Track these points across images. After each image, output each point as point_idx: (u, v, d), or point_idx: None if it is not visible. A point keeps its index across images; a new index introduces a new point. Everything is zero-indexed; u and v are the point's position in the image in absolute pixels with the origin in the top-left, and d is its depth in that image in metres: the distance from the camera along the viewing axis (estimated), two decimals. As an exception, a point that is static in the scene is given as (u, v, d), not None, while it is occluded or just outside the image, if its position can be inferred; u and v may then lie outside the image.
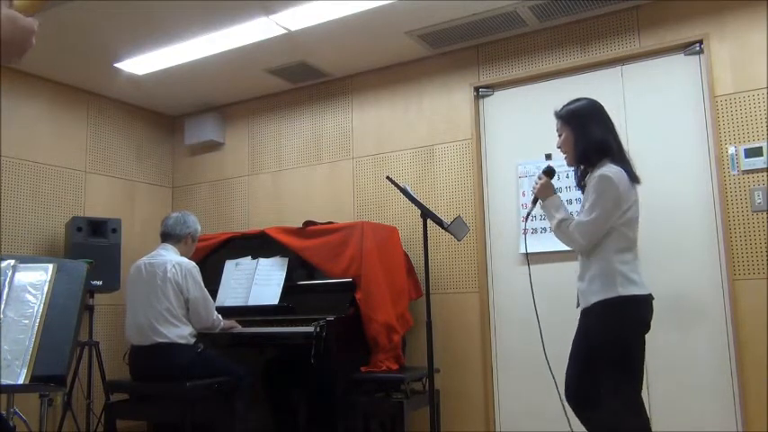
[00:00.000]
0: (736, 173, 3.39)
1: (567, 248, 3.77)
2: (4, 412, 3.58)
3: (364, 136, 4.61)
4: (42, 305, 1.38)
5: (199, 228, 3.83)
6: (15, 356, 1.31)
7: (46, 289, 1.41)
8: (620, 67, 3.82)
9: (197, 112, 5.31)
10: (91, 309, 4.27)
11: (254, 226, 4.81)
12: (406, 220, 4.27)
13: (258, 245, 4.18)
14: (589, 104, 2.67)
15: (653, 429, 2.59)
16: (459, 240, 3.34)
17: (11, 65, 0.98)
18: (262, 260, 4.10)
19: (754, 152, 3.35)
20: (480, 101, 4.24)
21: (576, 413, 2.66)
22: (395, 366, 3.69)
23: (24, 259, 1.47)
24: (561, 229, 2.58)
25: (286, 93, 4.97)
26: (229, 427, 3.50)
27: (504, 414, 3.93)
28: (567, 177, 3.93)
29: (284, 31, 3.89)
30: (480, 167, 4.16)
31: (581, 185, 2.70)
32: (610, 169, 2.49)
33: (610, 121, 2.65)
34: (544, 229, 3.90)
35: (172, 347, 3.42)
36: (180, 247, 3.70)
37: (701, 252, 3.48)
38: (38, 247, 4.40)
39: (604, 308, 2.46)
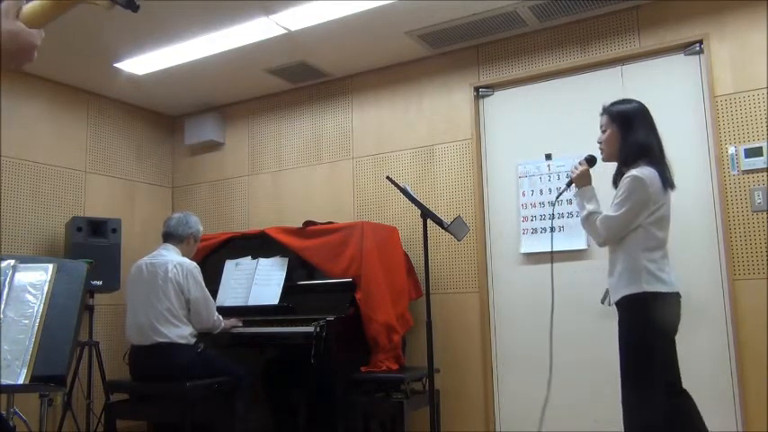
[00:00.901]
0: (736, 173, 3.39)
1: (567, 248, 3.80)
2: (4, 412, 3.57)
3: (364, 136, 4.61)
4: (42, 305, 1.38)
5: (201, 228, 3.84)
6: (15, 356, 1.31)
7: (46, 289, 1.41)
8: (620, 67, 3.82)
9: (197, 112, 5.31)
10: (91, 309, 4.26)
11: (254, 226, 4.81)
12: (406, 220, 4.27)
13: (258, 245, 4.18)
14: (639, 107, 2.74)
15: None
16: (459, 240, 3.34)
17: (9, 71, 0.97)
18: (262, 260, 4.10)
19: (754, 152, 3.35)
20: (480, 101, 4.24)
21: None
22: (395, 366, 3.69)
23: (24, 259, 1.47)
24: (588, 221, 2.67)
25: (286, 93, 4.97)
26: (229, 427, 3.50)
27: (504, 414, 3.93)
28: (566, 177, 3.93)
29: (284, 31, 3.89)
30: (480, 167, 4.16)
31: (616, 183, 2.76)
32: (643, 171, 2.56)
33: (654, 125, 2.73)
34: (544, 229, 3.91)
35: (172, 347, 3.42)
36: (182, 247, 3.70)
37: (701, 252, 3.48)
38: (38, 247, 4.40)
39: (630, 303, 2.54)
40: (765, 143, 3.33)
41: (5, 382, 1.28)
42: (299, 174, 4.84)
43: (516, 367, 3.91)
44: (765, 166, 3.32)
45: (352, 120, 4.67)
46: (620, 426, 3.20)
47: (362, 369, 3.64)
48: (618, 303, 2.61)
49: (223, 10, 3.61)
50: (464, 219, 3.31)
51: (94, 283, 4.14)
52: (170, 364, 3.40)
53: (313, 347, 3.41)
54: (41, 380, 1.33)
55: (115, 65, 4.35)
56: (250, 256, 4.17)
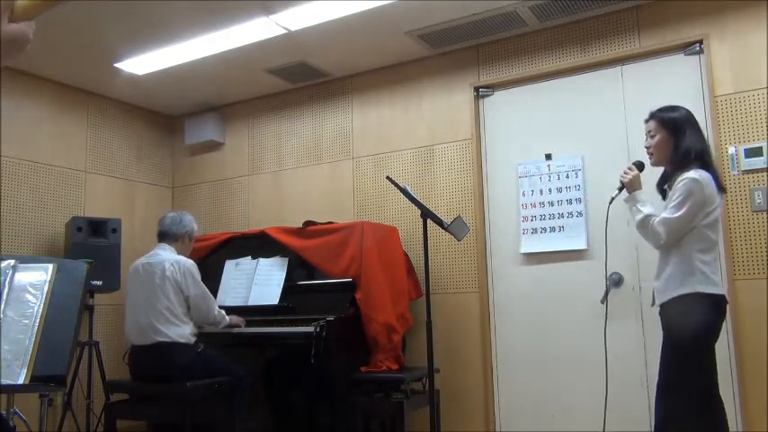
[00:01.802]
0: (736, 173, 3.38)
1: (567, 248, 3.81)
2: (4, 412, 3.58)
3: (364, 136, 4.61)
4: (42, 305, 1.38)
5: (195, 227, 3.84)
6: (15, 356, 1.31)
7: (46, 289, 1.41)
8: (620, 67, 3.82)
9: (197, 112, 5.31)
10: (91, 309, 4.26)
11: (254, 226, 4.81)
12: (406, 220, 4.27)
13: (258, 245, 4.18)
14: (688, 114, 2.77)
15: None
16: (459, 240, 3.34)
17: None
18: (262, 260, 4.10)
19: (754, 152, 3.35)
20: (480, 101, 4.24)
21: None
22: (395, 366, 3.69)
23: (24, 259, 1.46)
24: (644, 224, 2.67)
25: (286, 93, 4.97)
26: (229, 427, 3.51)
27: (504, 414, 3.93)
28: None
29: (284, 31, 3.89)
30: (480, 167, 4.16)
31: (662, 188, 2.80)
32: (698, 173, 2.58)
33: (701, 130, 2.78)
34: (544, 230, 3.91)
35: (172, 347, 3.42)
36: (177, 246, 3.70)
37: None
38: (38, 247, 4.40)
39: (682, 302, 2.56)
40: (765, 143, 3.33)
41: (5, 382, 1.28)
42: (299, 174, 4.84)
43: (516, 367, 3.91)
44: (765, 166, 3.32)
45: (352, 120, 4.67)
46: (621, 426, 3.21)
47: (362, 369, 3.64)
48: (666, 305, 2.62)
49: (223, 10, 3.61)
50: (464, 219, 3.31)
51: (94, 283, 4.14)
52: (170, 364, 3.40)
53: (313, 347, 3.41)
54: (41, 380, 1.33)
55: (115, 65, 4.35)
56: (250, 256, 4.17)
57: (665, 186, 2.77)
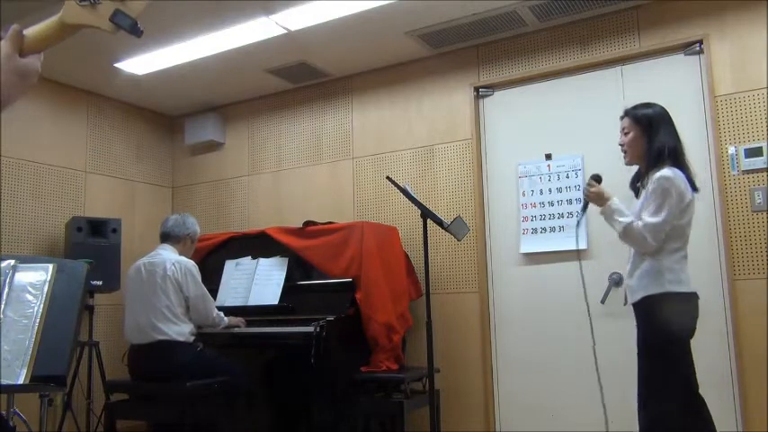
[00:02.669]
0: (736, 173, 3.38)
1: (566, 248, 3.80)
2: (4, 412, 3.57)
3: (364, 136, 4.61)
4: (42, 305, 1.38)
5: (198, 229, 3.86)
6: (15, 356, 1.31)
7: (46, 289, 1.41)
8: (620, 67, 3.82)
9: (197, 112, 5.31)
10: (91, 309, 4.26)
11: (253, 226, 4.81)
12: (406, 220, 4.27)
13: (258, 245, 4.18)
14: (663, 111, 2.74)
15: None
16: (459, 240, 3.34)
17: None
18: (262, 260, 4.11)
19: (754, 152, 3.35)
20: (480, 101, 4.24)
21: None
22: (395, 366, 3.69)
23: (24, 259, 1.47)
24: (627, 232, 2.61)
25: (286, 93, 4.97)
26: (229, 428, 3.51)
27: (504, 414, 3.93)
28: (560, 179, 3.94)
29: (284, 31, 3.89)
30: (480, 167, 4.16)
31: (635, 186, 2.78)
32: (672, 170, 2.57)
33: (676, 128, 2.73)
34: (544, 230, 3.91)
35: (172, 345, 3.43)
36: (179, 247, 3.72)
37: (701, 252, 3.47)
38: (38, 247, 4.40)
39: (652, 303, 2.55)
40: (765, 143, 3.33)
41: (5, 382, 1.28)
42: (299, 174, 4.84)
43: (516, 367, 3.91)
44: (765, 166, 3.32)
45: (352, 120, 4.67)
46: (620, 426, 3.21)
47: (362, 369, 3.64)
48: (637, 304, 2.61)
49: (223, 10, 3.61)
50: (464, 219, 3.31)
51: (94, 283, 4.14)
52: (169, 363, 3.41)
53: (313, 347, 3.41)
54: (41, 380, 1.33)
55: (115, 65, 4.35)
56: (250, 256, 4.17)
57: (638, 184, 2.75)
